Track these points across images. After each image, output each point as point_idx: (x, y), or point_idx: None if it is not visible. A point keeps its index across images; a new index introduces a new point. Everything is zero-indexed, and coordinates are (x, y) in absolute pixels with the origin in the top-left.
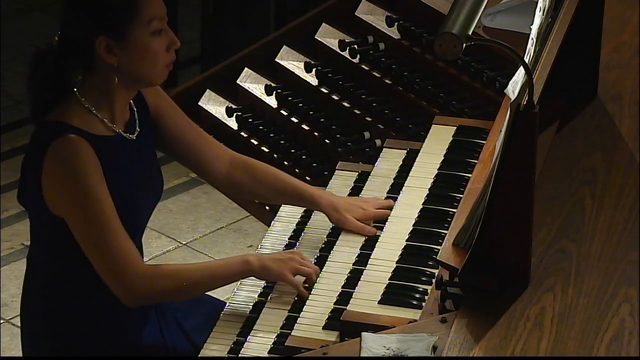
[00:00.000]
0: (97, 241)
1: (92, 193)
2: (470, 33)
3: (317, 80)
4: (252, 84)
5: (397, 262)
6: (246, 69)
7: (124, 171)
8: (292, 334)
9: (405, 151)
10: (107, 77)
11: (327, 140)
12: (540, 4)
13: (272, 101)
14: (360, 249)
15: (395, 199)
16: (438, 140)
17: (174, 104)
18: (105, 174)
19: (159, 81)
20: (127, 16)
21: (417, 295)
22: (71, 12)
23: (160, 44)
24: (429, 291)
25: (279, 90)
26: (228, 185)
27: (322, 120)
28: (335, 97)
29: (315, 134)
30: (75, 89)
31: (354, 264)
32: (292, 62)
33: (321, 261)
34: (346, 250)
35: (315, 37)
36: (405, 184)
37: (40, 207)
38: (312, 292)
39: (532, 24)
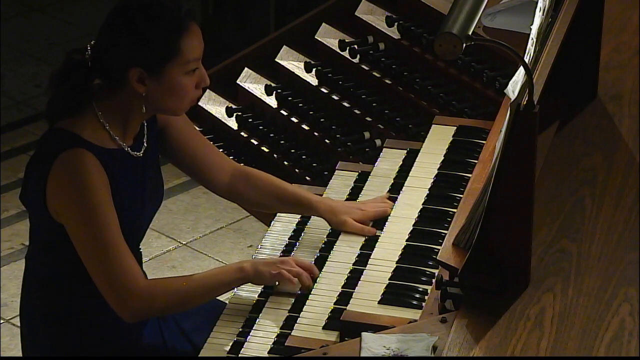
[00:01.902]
0: (98, 257)
1: (97, 209)
2: (470, 33)
3: (317, 80)
4: (252, 84)
5: (397, 262)
6: (246, 69)
7: (128, 186)
8: (292, 334)
9: (405, 151)
10: (130, 101)
11: (327, 140)
12: (540, 4)
13: (272, 101)
14: (360, 249)
15: (395, 199)
16: (438, 140)
17: (184, 114)
18: (111, 187)
19: (182, 113)
20: (168, 56)
21: (417, 295)
22: (111, 38)
23: (192, 82)
24: (429, 291)
25: (279, 90)
26: (229, 195)
27: (322, 120)
28: (335, 97)
29: (315, 134)
30: (93, 102)
31: (354, 264)
32: (292, 62)
33: (321, 261)
34: (346, 250)
35: (315, 37)
36: (405, 184)
37: (42, 212)
38: (312, 292)
39: (532, 24)
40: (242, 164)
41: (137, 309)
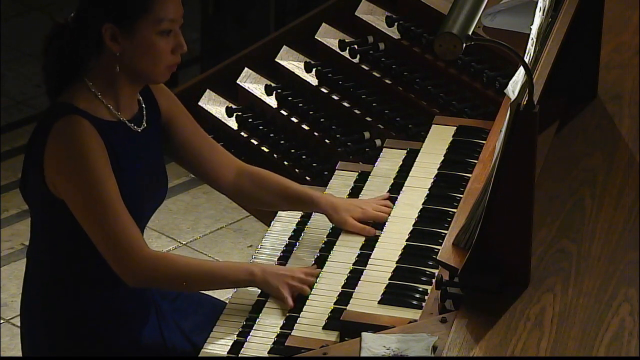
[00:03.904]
0: (100, 220)
1: (94, 172)
2: (470, 33)
3: (317, 80)
4: (252, 84)
5: (397, 262)
6: (246, 69)
7: (126, 159)
8: (292, 334)
9: (405, 151)
10: (111, 64)
11: (327, 140)
12: (540, 4)
13: (272, 101)
14: (360, 249)
15: (395, 199)
16: (438, 140)
17: (186, 111)
18: (110, 158)
19: (160, 80)
20: (138, 11)
21: (417, 295)
22: None
23: (166, 45)
24: (429, 291)
25: (279, 90)
26: (234, 193)
27: (322, 120)
28: (335, 97)
29: (315, 134)
30: (84, 74)
31: (354, 264)
32: (292, 62)
33: (321, 261)
34: (346, 250)
35: (315, 37)
36: (405, 184)
37: (42, 191)
38: (312, 292)
39: (532, 24)
40: (245, 163)
41: (139, 274)
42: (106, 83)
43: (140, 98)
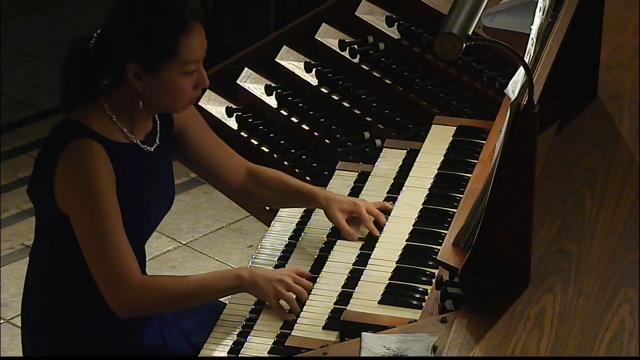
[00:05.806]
0: (97, 246)
1: (99, 199)
2: (470, 33)
3: (317, 80)
4: (252, 84)
5: (397, 262)
6: (246, 69)
7: (137, 180)
8: (292, 334)
9: (405, 151)
10: (130, 95)
11: (327, 140)
12: (540, 4)
13: (272, 101)
14: (360, 249)
15: (395, 199)
16: (438, 140)
17: (200, 116)
18: (118, 180)
19: (180, 111)
20: (165, 55)
21: (417, 295)
22: (113, 29)
23: (189, 83)
24: (429, 291)
25: (279, 90)
26: (241, 195)
27: (322, 120)
28: (335, 97)
29: (315, 134)
30: (101, 94)
31: (354, 264)
32: (292, 62)
33: (321, 261)
34: (346, 250)
35: (315, 37)
36: (405, 184)
37: (50, 202)
38: (312, 292)
39: (532, 24)
40: (249, 162)
41: (129, 303)
42: (123, 109)
43: (156, 114)
